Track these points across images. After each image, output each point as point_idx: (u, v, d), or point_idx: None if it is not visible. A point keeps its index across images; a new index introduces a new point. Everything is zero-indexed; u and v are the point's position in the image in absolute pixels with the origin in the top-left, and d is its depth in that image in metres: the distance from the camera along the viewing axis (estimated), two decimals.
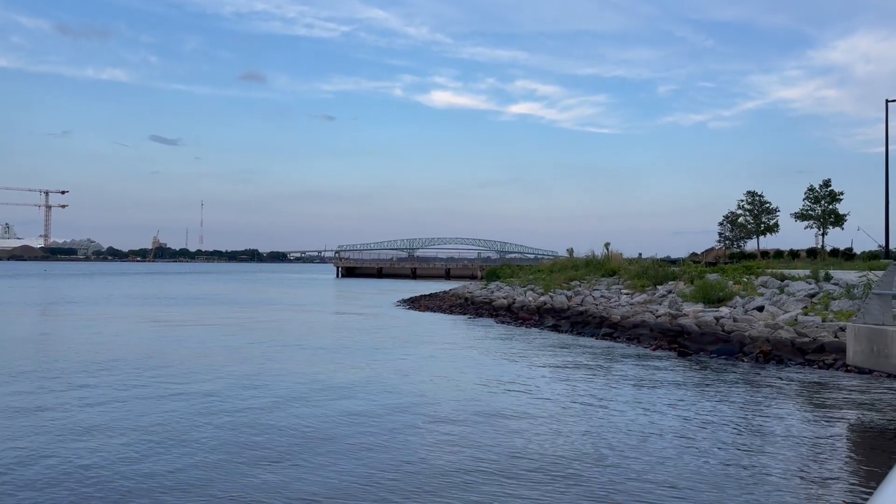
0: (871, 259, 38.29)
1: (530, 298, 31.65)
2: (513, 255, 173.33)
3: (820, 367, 16.46)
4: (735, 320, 21.17)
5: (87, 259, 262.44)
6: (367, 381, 14.50)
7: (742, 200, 57.74)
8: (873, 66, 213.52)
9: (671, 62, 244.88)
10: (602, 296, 30.33)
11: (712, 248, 59.86)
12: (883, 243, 38.43)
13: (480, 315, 30.87)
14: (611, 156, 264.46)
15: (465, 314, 31.82)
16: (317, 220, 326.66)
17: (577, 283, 33.45)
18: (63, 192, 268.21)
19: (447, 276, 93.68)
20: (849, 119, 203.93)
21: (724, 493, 7.56)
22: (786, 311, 21.10)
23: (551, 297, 31.06)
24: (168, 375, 14.61)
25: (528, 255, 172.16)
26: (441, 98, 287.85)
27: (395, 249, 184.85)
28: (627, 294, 29.68)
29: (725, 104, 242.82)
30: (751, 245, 57.82)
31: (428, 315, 32.53)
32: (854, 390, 13.86)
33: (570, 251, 44.68)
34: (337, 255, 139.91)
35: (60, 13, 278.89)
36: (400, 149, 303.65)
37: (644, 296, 28.37)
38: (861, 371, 15.24)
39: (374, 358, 18.08)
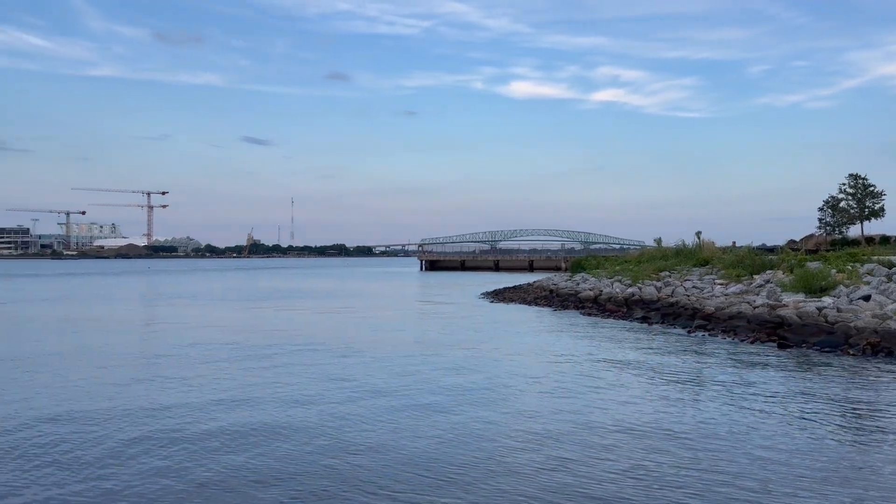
0: None
1: (617, 290, 30.98)
2: (597, 246, 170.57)
3: None
4: (839, 311, 20.03)
5: (186, 256, 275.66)
6: (458, 378, 14.56)
7: (844, 184, 54.24)
8: None
9: (762, 42, 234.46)
10: (694, 286, 29.32)
11: (812, 236, 56.69)
12: None
13: (566, 307, 30.47)
14: (700, 141, 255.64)
15: (550, 306, 31.49)
16: (400, 214, 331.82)
17: (667, 273, 32.49)
18: (163, 193, 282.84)
19: (530, 268, 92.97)
20: None
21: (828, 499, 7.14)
22: (895, 301, 19.80)
23: (639, 288, 30.30)
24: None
25: (614, 246, 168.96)
26: (521, 89, 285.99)
27: (478, 242, 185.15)
28: (721, 284, 28.58)
29: (823, 83, 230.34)
30: (854, 231, 54.43)
31: (513, 307, 32.39)
32: None
33: (658, 241, 43.47)
34: (420, 248, 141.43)
35: (157, 22, 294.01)
36: (481, 141, 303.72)
37: (740, 286, 27.24)
38: None
39: (461, 356, 18.13)
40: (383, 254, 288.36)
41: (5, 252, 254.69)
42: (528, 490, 7.38)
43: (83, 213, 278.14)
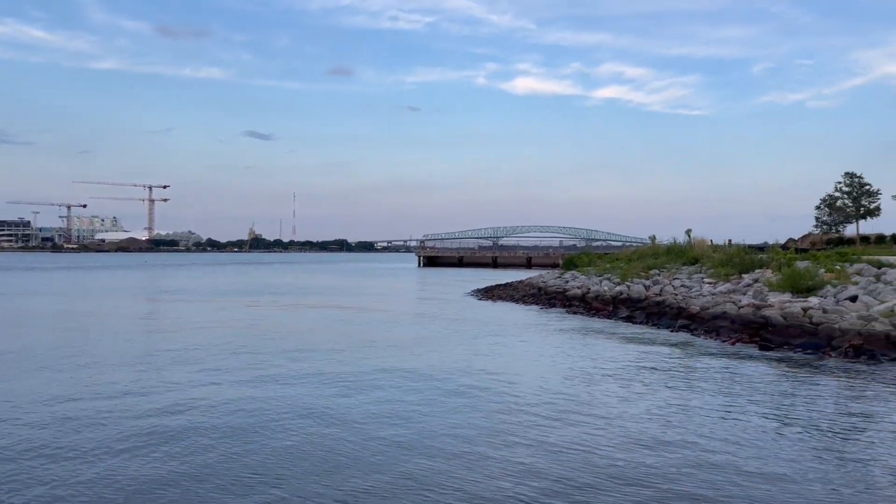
0: None
1: (605, 288, 30.48)
2: (599, 243, 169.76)
3: None
4: (825, 311, 19.53)
5: (187, 250, 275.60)
6: (407, 371, 14.11)
7: (840, 183, 53.51)
8: None
9: (766, 39, 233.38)
10: (682, 285, 28.82)
11: (809, 234, 56.12)
12: None
13: (553, 305, 30.00)
14: (703, 138, 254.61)
15: (537, 304, 31.02)
16: (404, 209, 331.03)
17: (657, 271, 31.99)
18: (164, 187, 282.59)
19: (528, 264, 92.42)
20: None
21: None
22: (882, 302, 19.29)
23: (628, 286, 29.78)
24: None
25: (615, 243, 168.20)
26: (525, 85, 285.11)
27: (480, 238, 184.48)
28: (710, 283, 28.08)
29: (827, 81, 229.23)
30: (851, 230, 53.68)
31: (499, 305, 31.93)
32: None
33: (653, 238, 43.01)
34: (422, 244, 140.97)
35: (160, 15, 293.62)
36: (485, 137, 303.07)
37: (728, 285, 26.73)
38: None
39: (423, 350, 17.68)
40: (385, 249, 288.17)
41: (6, 245, 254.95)
42: (496, 494, 6.93)
43: (84, 206, 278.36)
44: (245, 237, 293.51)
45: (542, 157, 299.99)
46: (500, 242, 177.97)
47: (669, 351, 17.55)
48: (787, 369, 14.84)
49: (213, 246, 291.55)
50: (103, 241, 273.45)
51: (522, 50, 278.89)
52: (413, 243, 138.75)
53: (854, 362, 15.57)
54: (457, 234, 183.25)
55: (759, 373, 14.43)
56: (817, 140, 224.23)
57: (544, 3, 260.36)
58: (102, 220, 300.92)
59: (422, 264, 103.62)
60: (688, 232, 34.99)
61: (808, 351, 17.05)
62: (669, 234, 37.96)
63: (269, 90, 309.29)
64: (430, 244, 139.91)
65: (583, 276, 34.75)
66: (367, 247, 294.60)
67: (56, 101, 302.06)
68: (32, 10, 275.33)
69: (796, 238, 66.31)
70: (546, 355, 16.88)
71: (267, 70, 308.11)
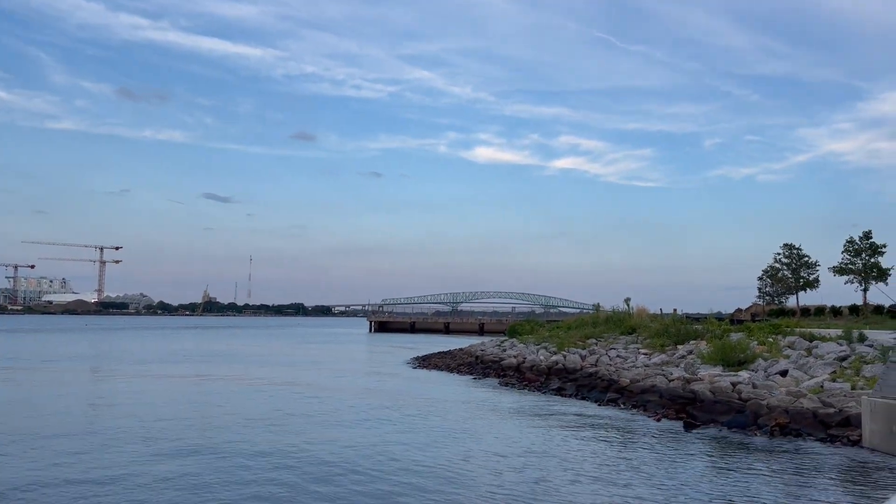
0: None
1: (542, 357, 29.46)
2: (558, 309, 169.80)
3: (844, 444, 13.95)
4: (754, 386, 18.74)
5: (137, 313, 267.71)
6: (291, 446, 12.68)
7: (779, 254, 54.08)
8: None
9: (717, 116, 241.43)
10: (618, 355, 27.98)
11: (753, 304, 56.28)
12: None
13: (487, 375, 28.77)
14: (657, 210, 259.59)
15: (471, 374, 29.74)
16: (363, 273, 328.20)
17: (594, 341, 31.14)
18: (117, 248, 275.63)
19: (481, 331, 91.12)
20: None
21: None
22: (812, 377, 18.60)
23: (564, 356, 28.82)
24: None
25: (572, 310, 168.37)
26: (485, 154, 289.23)
27: (439, 303, 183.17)
28: (646, 354, 27.30)
29: (775, 157, 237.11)
30: (793, 301, 53.98)
31: (433, 374, 30.58)
32: (871, 475, 11.39)
33: (597, 306, 42.38)
34: (380, 308, 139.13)
35: (122, 78, 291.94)
36: (446, 204, 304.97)
37: (663, 356, 25.97)
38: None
39: (306, 427, 16.27)
40: (343, 314, 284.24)
41: None
42: None
43: (32, 266, 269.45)
44: (199, 300, 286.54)
45: (503, 224, 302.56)
46: (460, 307, 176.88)
47: (587, 427, 16.45)
48: (702, 452, 13.80)
49: (165, 309, 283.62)
50: (50, 302, 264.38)
51: (482, 121, 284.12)
52: (373, 308, 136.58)
53: (780, 442, 14.66)
54: (416, 299, 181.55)
55: (670, 454, 13.37)
56: (766, 213, 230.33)
57: (503, 78, 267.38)
58: (51, 282, 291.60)
59: (373, 330, 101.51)
60: (626, 300, 34.37)
61: (734, 429, 16.11)
62: (622, 302, 37.68)
63: (230, 154, 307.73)
64: (387, 309, 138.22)
65: (521, 345, 33.71)
66: (324, 311, 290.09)
67: (13, 161, 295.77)
68: None
69: (743, 308, 66.70)
70: (445, 434, 15.60)
71: (229, 134, 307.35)
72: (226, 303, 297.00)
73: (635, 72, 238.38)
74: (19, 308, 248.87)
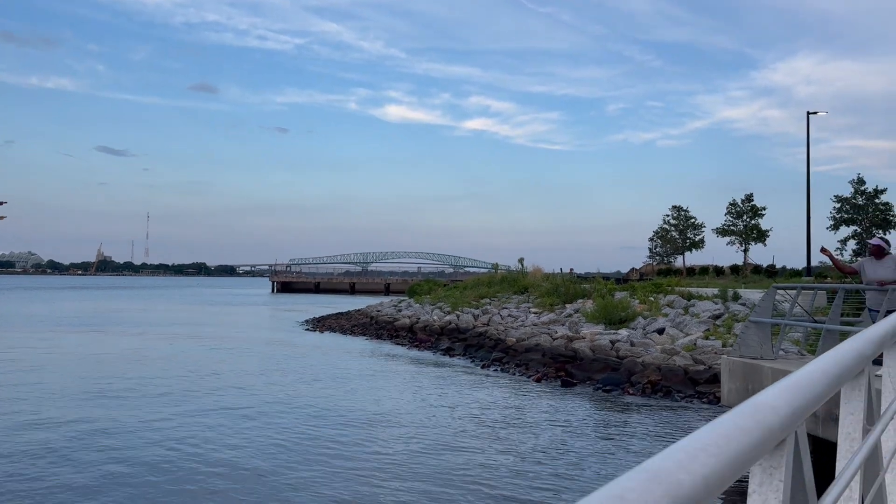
0: (794, 277, 36.95)
1: (436, 318, 29.32)
2: (467, 270, 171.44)
3: (710, 401, 14.37)
4: (632, 344, 19.15)
5: (24, 272, 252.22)
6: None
7: (668, 216, 56.18)
8: (815, 87, 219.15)
9: (620, 81, 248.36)
10: (510, 315, 28.17)
11: (644, 264, 58.35)
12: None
13: (381, 337, 28.35)
14: (564, 171, 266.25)
15: (365, 335, 29.26)
16: (271, 232, 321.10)
17: (488, 300, 31.26)
18: (1, 203, 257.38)
19: (387, 291, 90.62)
20: (792, 139, 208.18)
21: None
22: (686, 335, 19.17)
23: (458, 316, 28.79)
24: None
25: (482, 270, 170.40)
26: (396, 112, 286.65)
27: (349, 263, 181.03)
28: (535, 313, 27.59)
29: (674, 123, 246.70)
30: (681, 262, 56.22)
31: (326, 336, 29.90)
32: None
33: (496, 266, 42.71)
34: (288, 268, 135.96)
35: (4, 20, 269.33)
36: (356, 162, 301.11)
37: (552, 315, 26.31)
38: None
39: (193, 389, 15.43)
40: (248, 273, 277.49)
41: None
42: None
43: None
44: (92, 259, 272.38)
45: (415, 184, 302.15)
46: (371, 268, 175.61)
47: (461, 387, 16.33)
48: (570, 409, 13.89)
49: (55, 268, 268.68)
50: None
51: (393, 78, 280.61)
52: (280, 268, 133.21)
53: (649, 399, 14.97)
54: (325, 259, 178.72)
55: (541, 414, 13.37)
56: (665, 177, 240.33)
57: (414, 34, 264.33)
58: None
59: (275, 290, 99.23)
60: (520, 260, 34.64)
61: (609, 387, 16.34)
62: (530, 261, 37.69)
63: (125, 104, 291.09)
64: (297, 268, 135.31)
65: (417, 306, 33.48)
66: (228, 271, 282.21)
67: None
68: None
69: (638, 268, 69.12)
70: (323, 394, 15.11)
71: (123, 83, 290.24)
72: (122, 262, 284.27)
73: (543, 33, 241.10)
74: None
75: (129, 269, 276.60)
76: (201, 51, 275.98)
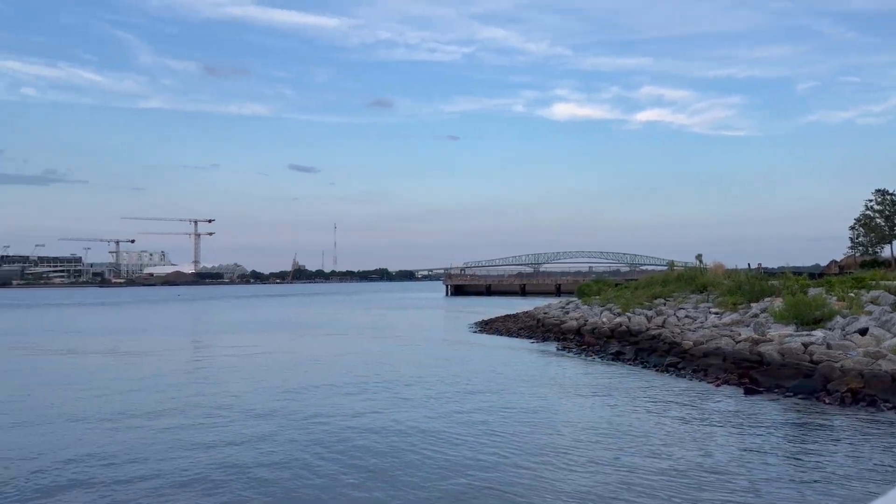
0: None
1: (605, 319, 28.11)
2: (644, 268, 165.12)
3: None
4: (829, 347, 17.00)
5: (231, 282, 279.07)
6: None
7: (871, 200, 49.37)
8: None
9: (809, 58, 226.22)
10: (687, 315, 26.34)
11: (844, 256, 52.13)
12: None
13: (547, 339, 27.72)
14: (747, 160, 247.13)
15: (531, 337, 28.77)
16: (445, 237, 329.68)
17: (662, 300, 29.48)
18: (210, 221, 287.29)
19: (557, 291, 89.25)
20: None
21: None
22: (895, 336, 16.68)
23: (629, 317, 27.40)
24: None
25: (662, 267, 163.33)
26: (563, 110, 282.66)
27: (522, 265, 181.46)
28: (717, 313, 25.55)
29: (874, 98, 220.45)
30: (889, 252, 49.28)
31: (494, 338, 29.80)
32: None
33: (671, 264, 40.39)
34: (462, 271, 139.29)
35: (204, 55, 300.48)
36: (525, 164, 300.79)
37: (735, 315, 24.21)
38: None
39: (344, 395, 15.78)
40: (426, 277, 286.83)
41: (58, 280, 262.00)
42: None
43: (132, 241, 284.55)
44: (288, 268, 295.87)
45: (586, 182, 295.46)
46: (543, 269, 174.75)
47: (634, 396, 15.28)
48: (756, 422, 12.46)
49: (257, 277, 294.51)
50: (151, 274, 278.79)
51: (560, 76, 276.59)
52: (455, 271, 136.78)
53: (849, 410, 13.13)
54: (497, 262, 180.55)
55: (721, 427, 12.11)
56: (867, 158, 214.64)
57: (579, 30, 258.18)
58: (151, 255, 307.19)
59: (449, 293, 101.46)
60: (698, 256, 32.31)
61: (801, 395, 14.59)
62: (710, 257, 34.39)
63: (310, 124, 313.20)
64: (470, 271, 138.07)
65: (585, 307, 32.38)
66: (407, 275, 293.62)
67: (107, 140, 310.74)
68: (84, 54, 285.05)
69: (838, 260, 62.33)
70: (475, 405, 14.81)
71: (308, 105, 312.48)
72: (314, 270, 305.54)
73: (718, 15, 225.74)
74: (122, 281, 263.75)
75: (320, 276, 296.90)
76: (376, 68, 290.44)
